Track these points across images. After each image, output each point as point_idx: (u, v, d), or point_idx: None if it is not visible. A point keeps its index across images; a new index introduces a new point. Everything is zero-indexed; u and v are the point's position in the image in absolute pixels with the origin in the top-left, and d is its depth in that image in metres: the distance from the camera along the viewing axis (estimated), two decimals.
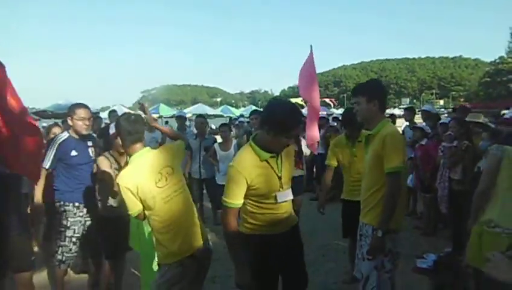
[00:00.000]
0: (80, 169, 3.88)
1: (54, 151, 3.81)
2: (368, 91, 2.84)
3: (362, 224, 2.88)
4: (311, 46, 5.53)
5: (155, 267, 3.50)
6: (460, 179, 4.95)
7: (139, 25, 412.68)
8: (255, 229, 2.57)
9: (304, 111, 7.40)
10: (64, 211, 3.82)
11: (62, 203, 3.83)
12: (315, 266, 4.83)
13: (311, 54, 5.45)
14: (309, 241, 5.50)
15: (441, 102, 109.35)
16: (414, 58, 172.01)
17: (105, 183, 3.69)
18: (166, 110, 23.13)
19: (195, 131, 7.08)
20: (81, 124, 3.86)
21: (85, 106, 4.00)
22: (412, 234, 5.85)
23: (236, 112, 26.60)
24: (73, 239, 3.84)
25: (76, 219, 3.86)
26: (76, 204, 3.86)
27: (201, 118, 7.04)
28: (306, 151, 5.67)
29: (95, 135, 4.24)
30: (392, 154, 2.62)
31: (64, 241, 3.80)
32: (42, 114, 17.50)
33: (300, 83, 5.49)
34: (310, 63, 5.41)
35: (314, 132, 5.40)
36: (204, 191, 6.98)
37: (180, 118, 8.19)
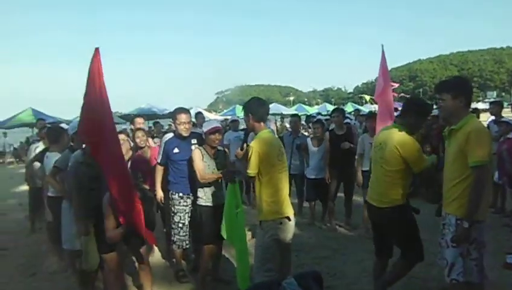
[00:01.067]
0: (182, 164, 4.44)
1: (162, 148, 4.56)
2: (454, 88, 2.93)
3: (445, 213, 2.99)
4: (382, 45, 5.70)
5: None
6: None
7: (209, 27, 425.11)
8: None
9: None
10: (172, 199, 4.47)
11: (171, 192, 4.49)
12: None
13: (383, 54, 5.59)
14: None
15: None
16: (502, 48, 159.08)
17: (195, 173, 4.17)
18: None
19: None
20: (182, 128, 4.44)
21: (185, 111, 4.58)
22: (500, 232, 5.69)
23: (311, 110, 26.73)
24: (180, 224, 4.42)
25: (181, 207, 4.45)
26: (180, 194, 4.45)
27: (296, 117, 7.54)
28: None
29: (200, 132, 4.73)
30: (477, 148, 2.72)
31: (174, 225, 4.44)
32: (126, 117, 18.94)
33: (378, 83, 5.66)
34: (382, 62, 5.62)
35: None
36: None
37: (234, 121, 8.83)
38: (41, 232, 6.20)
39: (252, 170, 3.31)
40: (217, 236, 4.11)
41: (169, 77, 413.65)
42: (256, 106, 3.47)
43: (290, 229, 3.47)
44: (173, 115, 4.53)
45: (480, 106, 30.86)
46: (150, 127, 13.40)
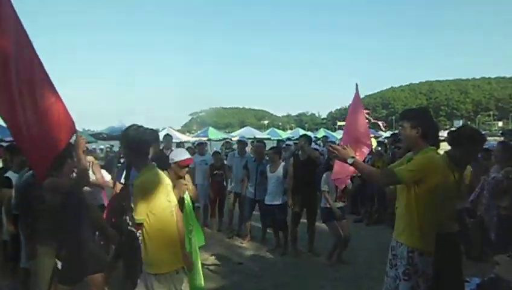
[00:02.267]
0: None
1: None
2: (413, 118, 2.97)
3: (396, 244, 2.99)
4: (356, 84, 5.79)
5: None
6: (507, 206, 4.86)
7: (186, 48, 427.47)
8: None
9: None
10: None
11: None
12: (357, 282, 5.13)
13: (357, 91, 5.76)
14: (355, 259, 5.76)
15: (500, 124, 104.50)
16: (468, 79, 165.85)
17: None
18: (214, 134, 23.77)
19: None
20: None
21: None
22: None
23: (284, 135, 26.90)
24: None
25: None
26: None
27: (260, 143, 7.57)
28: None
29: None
30: (408, 165, 2.84)
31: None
32: (97, 136, 18.56)
33: (348, 119, 5.75)
34: (355, 100, 5.75)
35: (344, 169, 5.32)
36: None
37: (241, 143, 8.58)
38: None
39: (138, 215, 2.79)
40: None
41: (143, 95, 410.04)
42: (135, 135, 2.96)
43: (183, 279, 3.05)
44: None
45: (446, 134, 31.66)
46: (119, 147, 13.11)
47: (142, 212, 2.76)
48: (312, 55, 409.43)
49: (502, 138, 7.44)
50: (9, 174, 4.69)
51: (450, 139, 3.49)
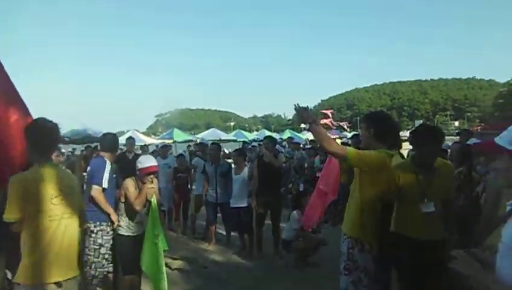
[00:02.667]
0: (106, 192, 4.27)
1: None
2: (367, 119, 3.16)
3: (342, 238, 3.12)
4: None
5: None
6: (463, 205, 4.98)
7: (152, 48, 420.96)
8: None
9: None
10: (101, 230, 4.22)
11: (97, 223, 4.21)
12: (322, 283, 5.10)
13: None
14: (321, 260, 5.81)
15: (456, 123, 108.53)
16: (426, 80, 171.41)
17: (128, 202, 4.14)
18: (180, 135, 23.50)
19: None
20: None
21: None
22: None
23: (250, 136, 26.91)
24: (106, 256, 4.22)
25: (108, 237, 4.25)
26: (109, 223, 4.25)
27: (215, 145, 7.44)
28: None
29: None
30: (361, 151, 2.98)
31: (98, 258, 4.18)
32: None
33: None
34: None
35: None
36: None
37: (202, 145, 8.50)
38: None
39: (7, 214, 2.49)
40: (137, 267, 4.11)
41: (107, 97, 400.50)
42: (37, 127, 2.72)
43: None
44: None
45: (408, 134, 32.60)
46: (82, 151, 12.83)
47: (13, 211, 2.47)
48: (277, 56, 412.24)
49: (457, 138, 7.68)
50: None
51: (410, 140, 3.60)
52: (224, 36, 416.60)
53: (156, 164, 4.29)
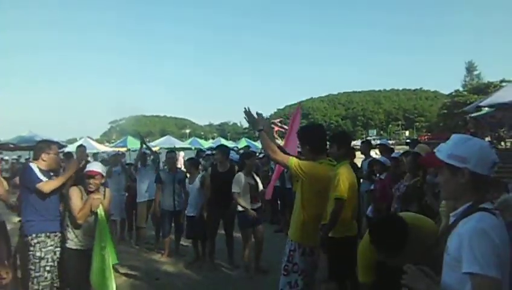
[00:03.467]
0: (48, 199, 4.06)
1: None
2: (300, 138, 3.38)
3: (287, 241, 3.29)
4: (299, 102, 6.17)
5: None
6: (416, 212, 5.14)
7: (105, 53, 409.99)
8: None
9: None
10: (38, 242, 3.98)
11: (34, 235, 3.98)
12: None
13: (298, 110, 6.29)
14: (275, 269, 5.78)
15: (407, 133, 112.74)
16: (380, 91, 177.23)
17: (71, 213, 3.99)
18: (134, 143, 22.99)
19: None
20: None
21: (52, 143, 4.36)
22: None
23: (205, 144, 26.73)
24: (47, 268, 3.99)
25: (48, 249, 4.02)
26: (48, 234, 4.03)
27: (172, 153, 7.36)
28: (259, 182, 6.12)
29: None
30: (301, 161, 3.15)
31: (38, 271, 3.95)
32: (4, 147, 17.10)
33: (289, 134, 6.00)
34: (295, 116, 6.17)
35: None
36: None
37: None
38: None
39: None
40: (85, 281, 3.96)
41: (60, 103, 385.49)
42: None
43: None
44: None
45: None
46: (27, 159, 12.27)
47: None
48: (235, 64, 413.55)
49: (407, 147, 8.00)
50: None
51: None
52: (181, 42, 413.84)
53: (97, 169, 4.14)
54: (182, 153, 17.53)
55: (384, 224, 2.63)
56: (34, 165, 4.12)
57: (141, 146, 8.03)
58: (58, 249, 4.12)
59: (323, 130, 3.50)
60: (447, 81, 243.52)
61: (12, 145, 16.33)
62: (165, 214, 6.84)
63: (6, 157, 18.64)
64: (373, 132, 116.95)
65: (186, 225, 6.70)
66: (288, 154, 3.26)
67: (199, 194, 6.34)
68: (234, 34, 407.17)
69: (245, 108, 3.30)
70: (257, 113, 3.28)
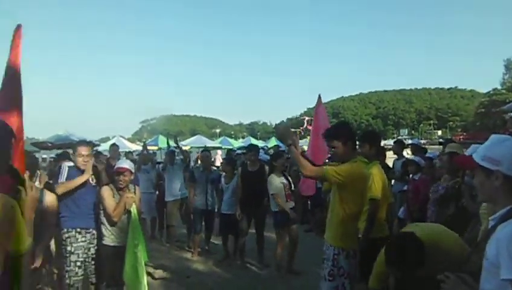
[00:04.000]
0: (81, 197, 4.22)
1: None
2: (343, 135, 3.19)
3: (325, 245, 3.20)
4: (319, 95, 6.30)
5: None
6: (452, 214, 4.97)
7: (139, 54, 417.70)
8: None
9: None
10: (69, 237, 4.14)
11: (66, 229, 4.15)
12: None
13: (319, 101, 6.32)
14: (306, 270, 5.76)
15: (439, 132, 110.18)
16: (411, 90, 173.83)
17: (106, 212, 4.07)
18: (164, 142, 23.30)
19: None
20: (80, 160, 4.25)
21: (86, 144, 4.48)
22: None
23: (235, 144, 26.86)
24: (78, 263, 4.12)
25: (79, 244, 4.16)
26: (78, 229, 4.17)
27: (207, 152, 7.45)
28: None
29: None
30: (337, 168, 3.12)
31: (70, 265, 4.11)
32: (42, 145, 17.71)
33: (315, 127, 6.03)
34: (319, 110, 6.30)
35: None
36: None
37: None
38: None
39: None
40: (120, 278, 4.04)
41: (93, 103, 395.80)
42: None
43: None
44: (74, 147, 4.45)
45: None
46: (56, 157, 12.55)
47: None
48: (264, 64, 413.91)
49: (440, 147, 7.76)
50: None
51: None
52: (211, 42, 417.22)
53: (125, 165, 4.23)
54: (219, 152, 17.72)
55: (396, 246, 2.59)
56: (66, 165, 4.31)
57: (168, 145, 8.12)
58: (93, 245, 4.26)
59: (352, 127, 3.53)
60: (485, 80, 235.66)
61: (50, 144, 16.81)
62: (197, 212, 6.90)
63: (44, 156, 19.24)
64: (404, 131, 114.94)
65: (220, 222, 6.76)
66: (311, 162, 3.26)
67: (233, 193, 6.39)
68: (264, 33, 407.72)
69: (276, 124, 3.33)
70: (283, 123, 3.27)
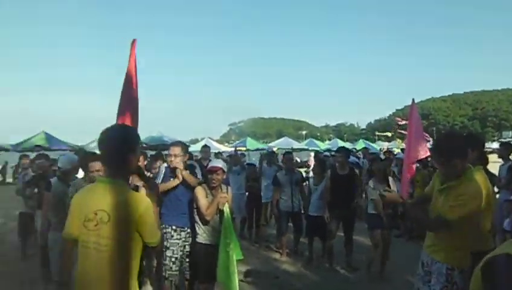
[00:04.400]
0: (176, 196, 4.52)
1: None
2: (466, 144, 2.86)
3: (430, 260, 2.94)
4: (413, 99, 6.09)
5: None
6: None
7: (226, 58, 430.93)
8: None
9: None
10: (165, 233, 4.42)
11: (164, 225, 4.43)
12: None
13: (413, 106, 6.15)
14: (396, 276, 5.61)
15: None
16: None
17: (199, 211, 4.22)
18: (253, 144, 23.84)
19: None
20: (170, 160, 4.52)
21: (177, 144, 4.69)
22: None
23: (322, 146, 26.65)
24: (172, 259, 4.40)
25: (174, 241, 4.43)
26: (174, 227, 4.46)
27: (290, 155, 7.47)
28: (393, 188, 5.77)
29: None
30: (454, 202, 2.75)
31: (166, 260, 4.40)
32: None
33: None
34: (412, 114, 6.10)
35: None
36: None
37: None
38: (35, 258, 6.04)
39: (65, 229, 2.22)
40: (212, 275, 4.15)
41: (182, 106, 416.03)
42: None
43: None
44: (167, 147, 4.75)
45: (495, 145, 30.38)
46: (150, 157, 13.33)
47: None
48: (352, 65, 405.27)
49: None
50: (53, 180, 4.87)
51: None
52: (298, 45, 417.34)
53: (219, 165, 4.35)
54: (311, 154, 17.77)
55: (495, 267, 2.34)
56: (163, 165, 4.71)
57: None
58: (188, 243, 4.50)
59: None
60: None
61: (145, 145, 17.95)
62: (283, 214, 6.96)
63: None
64: (508, 134, 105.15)
65: (306, 224, 6.76)
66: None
67: (322, 195, 6.37)
68: (351, 31, 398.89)
69: (379, 191, 3.15)
70: (387, 191, 3.11)
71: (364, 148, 16.07)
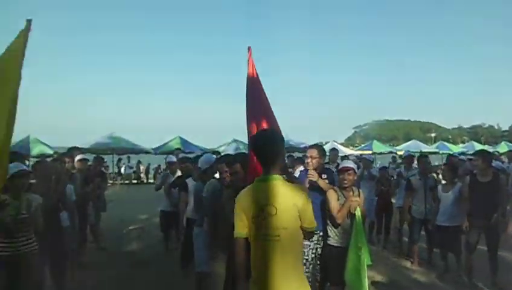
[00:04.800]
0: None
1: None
2: None
3: None
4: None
5: None
6: None
7: (346, 59, 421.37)
8: None
9: None
10: None
11: None
12: None
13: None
14: None
15: None
16: None
17: (330, 214, 4.30)
18: (379, 147, 23.13)
19: None
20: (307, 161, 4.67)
21: (313, 146, 4.89)
22: None
23: (455, 149, 24.69)
24: (303, 261, 4.48)
25: (305, 243, 4.46)
26: None
27: (426, 158, 7.18)
28: None
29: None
30: None
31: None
32: None
33: None
34: None
35: None
36: None
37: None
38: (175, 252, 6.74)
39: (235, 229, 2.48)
40: (342, 277, 4.18)
41: (309, 108, 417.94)
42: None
43: None
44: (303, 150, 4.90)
45: None
46: None
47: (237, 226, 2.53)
48: (487, 58, 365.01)
49: None
50: (189, 180, 5.42)
51: None
52: (421, 46, 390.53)
53: (350, 165, 4.39)
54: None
55: None
56: (299, 169, 4.97)
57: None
58: (320, 246, 4.59)
59: None
60: None
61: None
62: (415, 221, 6.65)
63: None
64: None
65: (436, 233, 6.32)
66: None
67: (453, 204, 5.91)
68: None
69: None
70: None
71: (510, 151, 14.42)
